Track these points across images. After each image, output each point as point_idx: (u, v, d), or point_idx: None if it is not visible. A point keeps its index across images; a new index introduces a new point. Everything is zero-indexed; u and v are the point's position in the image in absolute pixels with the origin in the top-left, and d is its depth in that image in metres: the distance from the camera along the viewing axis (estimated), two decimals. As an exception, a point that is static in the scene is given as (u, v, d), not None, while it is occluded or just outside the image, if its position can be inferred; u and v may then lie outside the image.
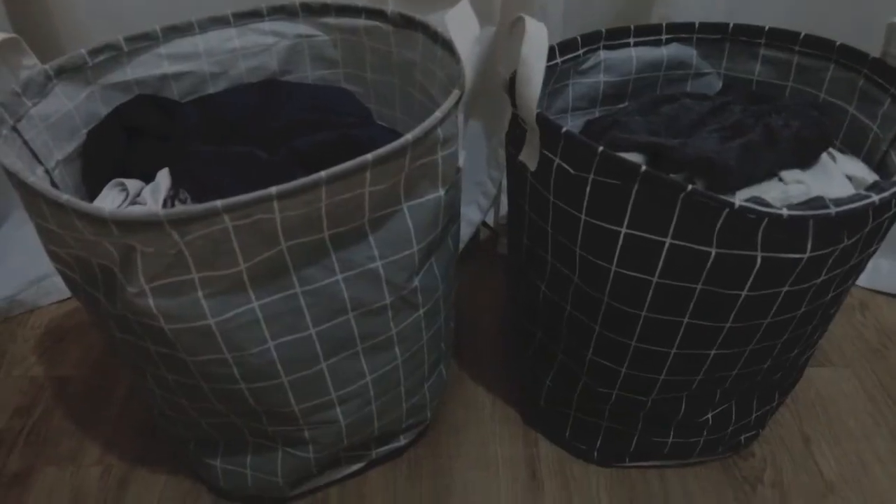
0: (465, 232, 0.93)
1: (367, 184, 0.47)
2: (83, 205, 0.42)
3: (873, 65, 0.60)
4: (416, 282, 0.57)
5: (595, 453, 0.71)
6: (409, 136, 0.46)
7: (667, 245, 0.50)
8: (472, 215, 0.93)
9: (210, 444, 0.65)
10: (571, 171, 0.51)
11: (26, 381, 0.83)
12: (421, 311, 0.59)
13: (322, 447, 0.62)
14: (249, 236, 0.46)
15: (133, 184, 0.60)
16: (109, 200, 0.60)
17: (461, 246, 0.94)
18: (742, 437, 0.72)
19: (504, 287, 0.91)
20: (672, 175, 0.54)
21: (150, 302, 0.47)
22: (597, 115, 0.73)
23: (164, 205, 0.58)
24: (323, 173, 0.44)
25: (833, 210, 0.45)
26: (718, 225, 0.47)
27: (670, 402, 0.63)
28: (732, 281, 0.51)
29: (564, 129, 0.50)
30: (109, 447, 0.74)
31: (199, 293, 0.47)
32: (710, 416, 0.65)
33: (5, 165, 0.45)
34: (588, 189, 0.51)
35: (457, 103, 0.50)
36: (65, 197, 0.42)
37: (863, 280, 0.92)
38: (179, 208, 0.41)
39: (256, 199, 0.43)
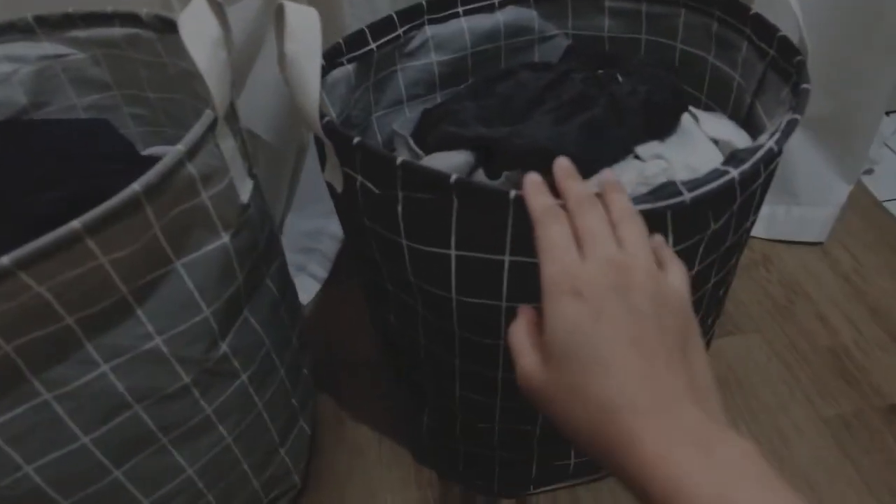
0: (331, 248, 0.82)
1: (100, 254, 0.35)
2: None
3: (724, 5, 0.52)
4: (223, 347, 0.46)
5: (495, 485, 0.63)
6: (134, 187, 0.35)
7: (507, 263, 0.41)
8: (333, 228, 0.82)
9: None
10: (376, 189, 0.41)
11: None
12: (244, 377, 0.49)
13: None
14: (-58, 350, 0.34)
15: None
16: None
17: (329, 264, 0.83)
18: (652, 437, 0.65)
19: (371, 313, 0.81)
20: (507, 171, 0.45)
21: None
22: (439, 100, 0.63)
23: None
24: (6, 259, 0.32)
25: (687, 196, 0.37)
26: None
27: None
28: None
29: (357, 141, 0.40)
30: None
31: None
32: (608, 428, 0.57)
33: None
34: (400, 209, 0.41)
35: (210, 128, 0.39)
36: None
37: (760, 231, 0.87)
38: None
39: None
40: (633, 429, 0.25)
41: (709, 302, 0.51)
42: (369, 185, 0.41)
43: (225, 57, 0.39)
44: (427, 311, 0.48)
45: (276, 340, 0.52)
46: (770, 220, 0.86)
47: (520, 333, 0.31)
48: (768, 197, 0.48)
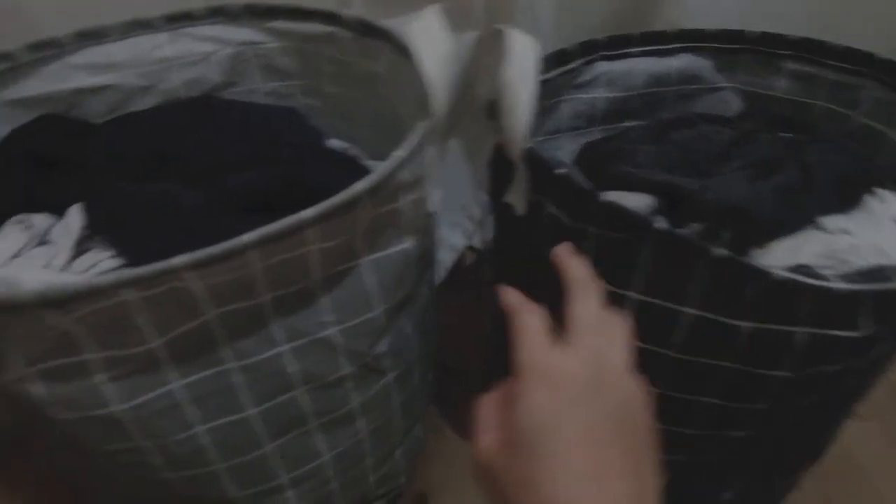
0: (448, 258, 0.84)
1: (313, 241, 0.37)
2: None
3: (923, 86, 0.51)
4: (382, 346, 0.47)
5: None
6: (362, 185, 0.36)
7: (687, 316, 0.41)
8: (455, 240, 0.83)
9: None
10: (567, 221, 0.42)
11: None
12: (390, 377, 0.50)
13: (273, 532, 0.53)
14: (161, 308, 0.36)
15: (40, 220, 0.50)
16: (11, 240, 0.49)
17: (443, 274, 0.85)
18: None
19: (491, 325, 0.81)
20: (692, 223, 0.45)
21: (34, 389, 0.37)
22: (596, 135, 0.64)
23: (79, 247, 0.48)
24: (246, 237, 0.34)
25: (898, 282, 0.36)
26: (752, 295, 0.38)
27: (681, 481, 0.54)
28: (768, 360, 0.42)
29: (561, 171, 0.41)
30: None
31: (98, 377, 0.37)
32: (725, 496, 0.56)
33: None
34: (588, 244, 0.41)
35: (424, 138, 0.40)
36: None
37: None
38: (55, 285, 0.31)
39: (161, 271, 0.33)
40: None
41: (869, 385, 0.50)
42: (561, 216, 0.42)
43: (452, 72, 0.40)
44: (579, 343, 0.48)
45: (420, 345, 0.53)
46: None
47: (489, 407, 0.31)
48: None
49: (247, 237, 0.34)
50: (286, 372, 0.43)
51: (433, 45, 0.39)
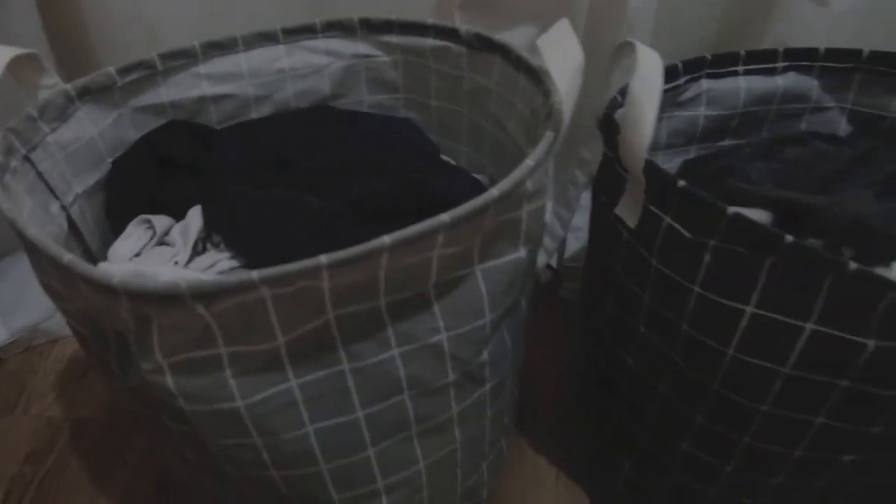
0: (527, 274, 0.83)
1: (438, 246, 0.38)
2: (89, 269, 0.33)
3: None
4: (484, 355, 0.47)
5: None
6: (493, 192, 0.37)
7: (807, 331, 0.40)
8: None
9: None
10: (687, 234, 0.41)
11: (43, 421, 0.76)
12: (487, 387, 0.50)
13: (362, 538, 0.53)
14: (290, 306, 0.37)
15: (160, 221, 0.52)
16: (134, 239, 0.52)
17: (521, 289, 0.85)
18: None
19: (572, 342, 0.81)
20: (811, 240, 0.44)
21: (169, 380, 0.38)
22: (692, 153, 0.63)
23: (195, 248, 0.51)
24: (386, 239, 0.35)
25: None
26: (879, 311, 0.37)
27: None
28: (891, 379, 0.40)
29: (682, 184, 0.40)
30: (125, 507, 0.67)
31: (228, 371, 0.39)
32: (829, 524, 0.54)
33: (4, 211, 0.38)
34: (707, 257, 0.41)
35: (550, 149, 0.41)
36: (67, 257, 0.34)
37: None
38: (207, 280, 0.33)
39: (302, 270, 0.34)
40: None
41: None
42: (680, 228, 0.42)
43: (579, 84, 0.40)
44: (685, 361, 0.47)
45: (515, 357, 0.53)
46: None
47: None
48: None
49: (387, 239, 0.35)
50: (395, 377, 0.43)
51: (565, 56, 0.40)
